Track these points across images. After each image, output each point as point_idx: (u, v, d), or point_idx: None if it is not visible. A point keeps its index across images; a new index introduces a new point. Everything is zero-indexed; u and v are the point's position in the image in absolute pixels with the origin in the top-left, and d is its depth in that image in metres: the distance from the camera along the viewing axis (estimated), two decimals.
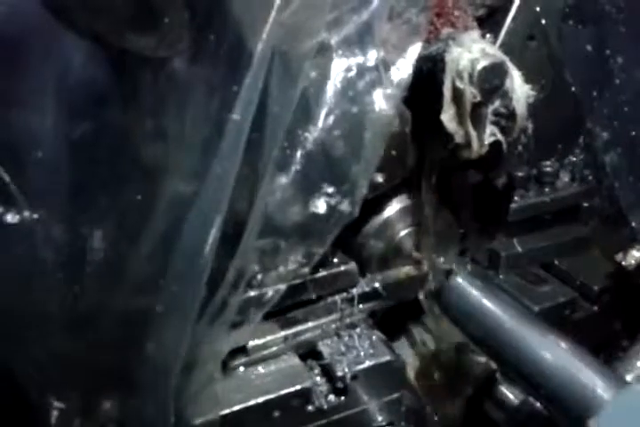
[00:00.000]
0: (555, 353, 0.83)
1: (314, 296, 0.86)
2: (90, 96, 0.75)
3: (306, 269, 0.80)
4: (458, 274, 0.98)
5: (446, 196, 0.97)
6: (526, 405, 0.98)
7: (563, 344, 0.84)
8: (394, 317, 1.02)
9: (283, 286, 0.80)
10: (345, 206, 0.78)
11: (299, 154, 0.73)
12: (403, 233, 0.97)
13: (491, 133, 0.82)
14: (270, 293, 0.79)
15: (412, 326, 1.11)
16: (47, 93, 0.70)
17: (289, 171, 0.73)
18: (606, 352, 1.12)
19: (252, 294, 0.78)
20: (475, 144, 0.81)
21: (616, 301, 1.05)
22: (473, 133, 0.80)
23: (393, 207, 0.96)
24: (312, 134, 0.74)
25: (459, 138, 0.81)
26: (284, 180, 0.73)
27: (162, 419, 0.75)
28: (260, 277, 0.78)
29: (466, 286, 0.96)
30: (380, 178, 0.88)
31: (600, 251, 1.11)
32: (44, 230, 0.70)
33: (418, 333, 1.11)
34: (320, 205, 0.76)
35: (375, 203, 0.92)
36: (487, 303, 0.93)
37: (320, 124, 0.74)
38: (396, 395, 0.90)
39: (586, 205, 1.15)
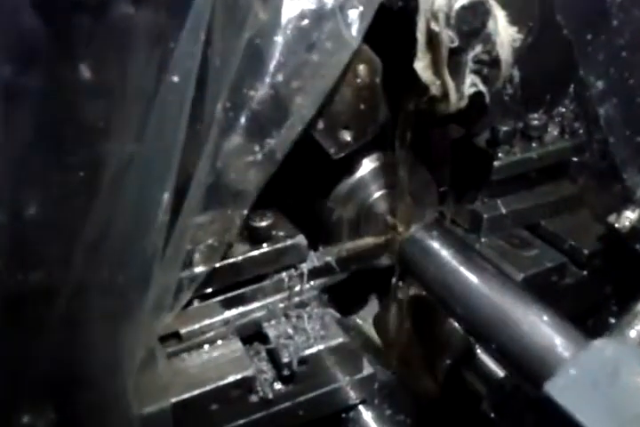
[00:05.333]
0: (512, 308, 0.77)
1: (257, 274, 0.80)
2: (21, 46, 0.65)
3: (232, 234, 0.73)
4: (416, 227, 0.90)
5: (423, 154, 0.92)
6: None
7: (522, 299, 0.79)
8: (362, 281, 0.98)
9: (214, 263, 0.73)
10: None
11: (244, 114, 0.63)
12: (375, 195, 0.91)
13: (471, 84, 0.75)
14: (200, 270, 0.72)
15: (383, 291, 1.06)
16: None
17: (232, 134, 0.63)
18: (595, 318, 1.08)
19: (183, 273, 0.71)
20: (453, 96, 0.74)
21: (607, 265, 1.00)
22: (451, 84, 0.73)
23: (364, 168, 0.90)
24: (260, 91, 0.65)
25: (435, 89, 0.74)
26: (228, 145, 0.63)
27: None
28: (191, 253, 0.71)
29: (424, 239, 0.88)
30: (347, 135, 0.81)
31: (590, 211, 1.06)
32: None
33: (391, 298, 1.03)
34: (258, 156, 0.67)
35: (345, 163, 0.86)
36: (446, 257, 0.86)
37: (269, 79, 0.65)
38: (348, 379, 0.84)
39: (575, 160, 1.08)
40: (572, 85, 1.02)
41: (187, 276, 0.74)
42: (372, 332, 1.06)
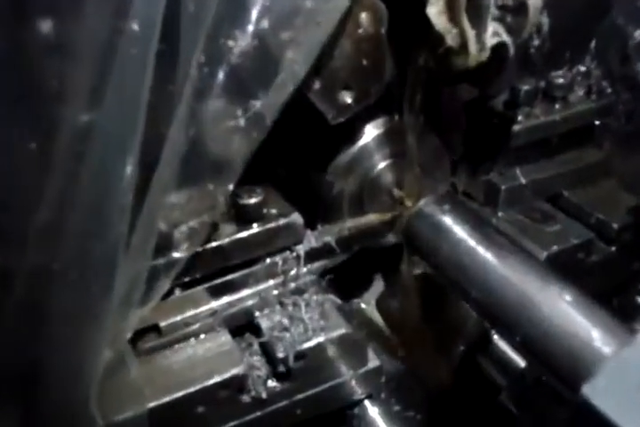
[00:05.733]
0: (539, 293, 0.69)
1: (247, 258, 0.73)
2: None
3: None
4: (425, 200, 0.81)
5: (434, 118, 0.84)
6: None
7: (554, 286, 0.70)
8: (366, 259, 0.91)
9: (196, 248, 0.66)
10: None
11: (222, 71, 0.53)
12: (380, 166, 0.84)
13: (494, 33, 0.64)
14: (178, 255, 0.64)
15: (389, 270, 0.99)
16: None
17: (209, 95, 0.52)
18: (621, 297, 1.02)
19: (159, 259, 0.63)
20: (472, 47, 0.66)
21: (637, 239, 0.93)
22: (470, 32, 0.65)
23: (368, 134, 0.82)
24: (241, 42, 0.55)
25: (451, 39, 0.66)
26: (205, 108, 0.52)
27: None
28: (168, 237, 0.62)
29: (434, 213, 0.80)
30: (347, 97, 0.72)
31: (617, 180, 0.99)
32: None
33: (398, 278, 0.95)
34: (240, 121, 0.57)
35: (345, 129, 0.78)
36: (460, 234, 0.77)
37: (252, 27, 0.55)
38: (352, 373, 0.77)
39: (598, 123, 1.00)
40: (602, 38, 0.90)
41: (164, 263, 0.65)
42: (377, 316, 0.97)
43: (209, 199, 0.64)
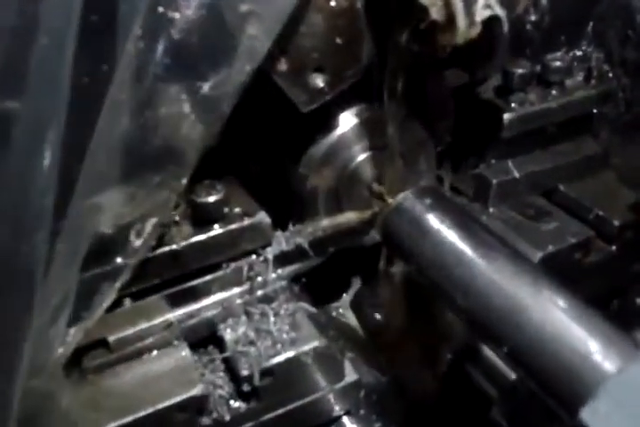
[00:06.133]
0: (531, 300, 0.63)
1: (208, 264, 0.68)
2: None
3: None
4: (405, 193, 0.75)
5: (418, 105, 0.79)
6: None
7: (547, 291, 0.63)
8: (343, 260, 0.86)
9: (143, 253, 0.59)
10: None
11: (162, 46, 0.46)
12: (359, 159, 0.79)
13: (485, 5, 0.60)
14: (122, 262, 0.58)
15: (369, 271, 0.92)
16: None
17: (148, 74, 0.44)
18: (621, 299, 0.97)
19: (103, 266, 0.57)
20: (461, 22, 0.60)
21: (638, 238, 0.89)
22: (458, 5, 0.59)
23: (344, 123, 0.77)
24: (185, 13, 0.47)
25: (436, 12, 0.59)
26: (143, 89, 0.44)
27: None
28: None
29: (414, 208, 0.74)
30: (320, 80, 0.67)
31: (616, 173, 0.95)
32: None
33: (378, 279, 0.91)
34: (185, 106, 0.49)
35: (318, 118, 0.73)
36: (443, 232, 0.71)
37: None
38: (328, 389, 0.72)
39: (595, 111, 0.96)
40: (603, 18, 0.85)
41: (108, 270, 0.59)
42: (356, 322, 0.90)
43: (157, 196, 0.56)
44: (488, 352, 0.85)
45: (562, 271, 0.77)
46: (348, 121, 0.77)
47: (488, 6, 0.58)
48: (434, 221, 0.72)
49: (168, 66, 0.46)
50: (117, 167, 0.49)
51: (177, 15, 0.46)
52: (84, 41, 0.46)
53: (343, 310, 0.92)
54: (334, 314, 0.92)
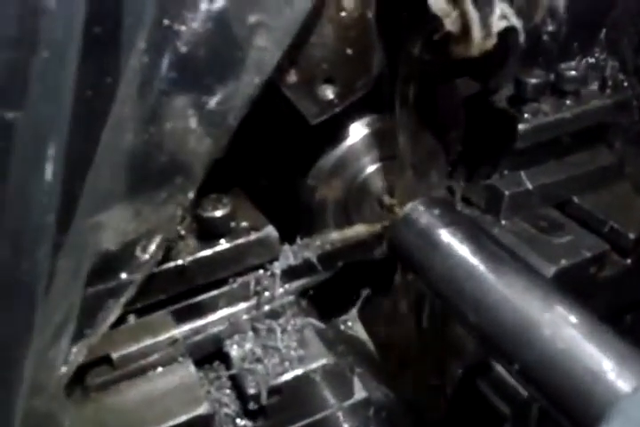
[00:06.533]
0: (543, 316, 0.61)
1: (214, 279, 0.67)
2: None
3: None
4: (413, 203, 0.74)
5: (429, 115, 0.79)
6: None
7: (559, 307, 0.62)
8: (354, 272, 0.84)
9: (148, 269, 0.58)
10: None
11: (169, 57, 0.45)
12: (369, 170, 0.79)
13: (501, 16, 0.56)
14: (127, 278, 0.57)
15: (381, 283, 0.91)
16: None
17: (151, 88, 0.43)
18: (634, 314, 0.95)
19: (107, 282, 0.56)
20: (476, 33, 0.59)
21: None
22: (474, 15, 0.57)
23: (355, 134, 0.77)
24: (192, 25, 0.46)
25: (450, 24, 0.58)
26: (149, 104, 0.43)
27: None
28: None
29: (422, 219, 0.73)
30: (329, 92, 0.66)
31: (632, 184, 0.93)
32: None
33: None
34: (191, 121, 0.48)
35: (328, 129, 0.73)
36: (453, 245, 0.69)
37: (206, 6, 0.46)
38: (336, 407, 0.70)
39: (610, 121, 0.93)
40: (619, 25, 0.83)
41: (112, 286, 0.58)
42: (365, 335, 0.88)
43: (164, 212, 0.55)
44: (500, 368, 0.84)
45: (576, 286, 0.76)
46: (357, 132, 0.77)
47: (504, 17, 0.57)
48: (444, 233, 0.71)
49: (174, 80, 0.45)
50: (122, 183, 0.47)
51: (183, 28, 0.44)
52: (88, 53, 0.45)
53: (352, 322, 0.91)
54: (342, 327, 0.90)
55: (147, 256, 0.57)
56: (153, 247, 0.57)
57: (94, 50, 0.45)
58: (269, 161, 0.77)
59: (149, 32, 0.43)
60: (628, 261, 0.87)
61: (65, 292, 0.47)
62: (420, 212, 0.74)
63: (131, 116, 0.44)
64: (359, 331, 0.91)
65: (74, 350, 0.55)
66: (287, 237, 0.73)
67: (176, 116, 0.46)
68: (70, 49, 0.40)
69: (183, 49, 0.45)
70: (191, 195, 0.57)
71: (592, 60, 0.93)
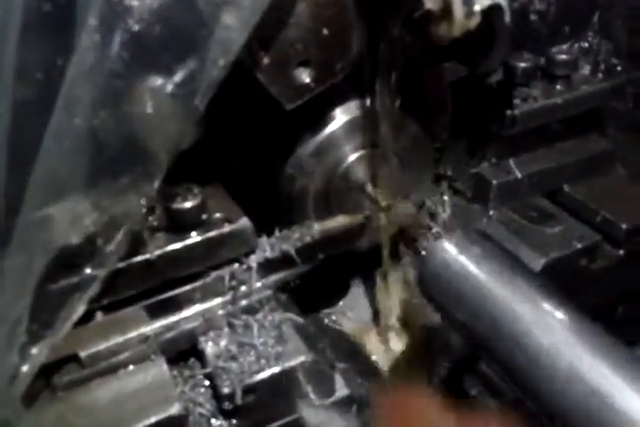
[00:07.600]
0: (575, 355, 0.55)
1: (186, 274, 0.65)
2: None
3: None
4: (446, 238, 0.67)
5: (413, 100, 0.75)
6: None
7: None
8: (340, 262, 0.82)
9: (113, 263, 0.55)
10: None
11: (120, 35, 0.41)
12: (351, 158, 0.76)
13: None
14: (91, 273, 0.54)
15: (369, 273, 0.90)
16: None
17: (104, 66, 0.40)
18: (626, 305, 0.94)
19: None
20: (458, 11, 0.54)
21: None
22: None
23: (335, 121, 0.74)
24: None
25: (431, 1, 0.55)
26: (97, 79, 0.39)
27: None
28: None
29: (457, 252, 0.65)
30: (305, 75, 0.63)
31: (625, 172, 0.92)
32: None
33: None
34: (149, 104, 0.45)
35: (307, 115, 0.70)
36: (493, 283, 0.62)
37: None
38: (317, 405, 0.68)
39: (602, 106, 0.92)
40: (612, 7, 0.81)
41: (75, 282, 0.55)
42: (350, 329, 0.86)
43: (125, 202, 0.52)
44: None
45: (566, 278, 0.77)
46: (338, 118, 0.74)
47: None
48: (483, 275, 0.64)
49: (126, 60, 0.42)
50: (75, 172, 0.44)
51: (135, 2, 0.41)
52: (37, 33, 0.42)
53: (336, 316, 0.88)
54: (326, 321, 0.88)
55: (111, 249, 0.54)
56: (117, 240, 0.54)
57: (44, 29, 0.42)
58: (245, 148, 0.74)
59: (100, 7, 0.40)
60: (621, 252, 0.86)
61: (17, 291, 0.44)
62: (453, 243, 0.66)
63: (80, 99, 0.41)
64: (344, 324, 0.89)
65: (34, 350, 0.52)
66: (264, 228, 0.70)
67: (131, 98, 0.43)
68: (9, 26, 0.37)
69: (136, 26, 0.42)
70: (156, 184, 0.53)
71: (585, 44, 0.91)
